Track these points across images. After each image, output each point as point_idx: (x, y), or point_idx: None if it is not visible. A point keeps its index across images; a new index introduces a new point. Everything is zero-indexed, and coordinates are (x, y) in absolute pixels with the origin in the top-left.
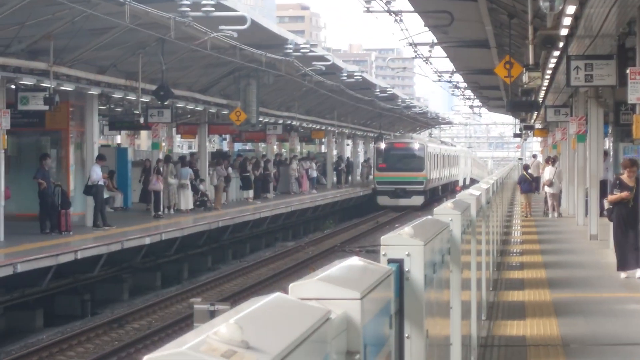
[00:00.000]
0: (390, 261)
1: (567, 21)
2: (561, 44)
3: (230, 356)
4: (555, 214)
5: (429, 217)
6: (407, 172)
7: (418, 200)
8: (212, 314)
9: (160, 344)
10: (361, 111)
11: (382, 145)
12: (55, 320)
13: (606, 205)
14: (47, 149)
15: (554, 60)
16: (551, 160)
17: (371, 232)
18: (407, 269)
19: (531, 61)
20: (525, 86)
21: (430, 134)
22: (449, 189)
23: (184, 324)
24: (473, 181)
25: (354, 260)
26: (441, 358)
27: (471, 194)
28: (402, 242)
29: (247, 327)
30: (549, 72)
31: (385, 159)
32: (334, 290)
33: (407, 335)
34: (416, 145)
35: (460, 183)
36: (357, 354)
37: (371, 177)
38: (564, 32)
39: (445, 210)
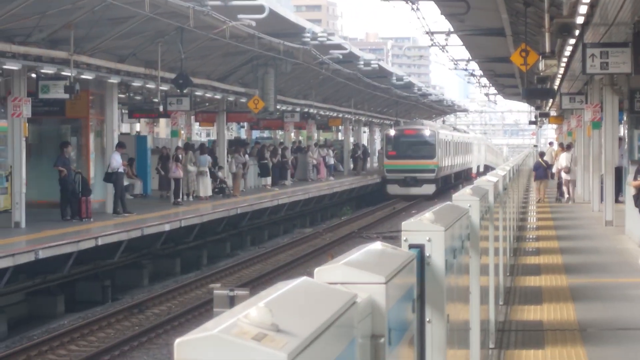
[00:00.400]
0: (411, 246)
1: (583, 9)
2: (577, 32)
3: (261, 339)
4: (567, 199)
5: (449, 203)
6: (417, 160)
7: (429, 189)
8: (232, 300)
9: (180, 329)
10: (377, 99)
11: (392, 132)
12: (76, 306)
13: (633, 191)
14: (67, 137)
15: (569, 48)
16: (566, 147)
17: (388, 218)
18: (428, 254)
19: (547, 49)
20: (541, 74)
21: (443, 121)
22: (462, 177)
23: (203, 309)
24: (487, 168)
25: (377, 245)
26: (461, 342)
27: (489, 181)
28: (423, 228)
29: (277, 311)
30: (565, 59)
31: (394, 146)
32: (359, 274)
33: (428, 319)
34: (427, 132)
35: (474, 171)
36: (381, 337)
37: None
38: (579, 20)
39: (464, 197)
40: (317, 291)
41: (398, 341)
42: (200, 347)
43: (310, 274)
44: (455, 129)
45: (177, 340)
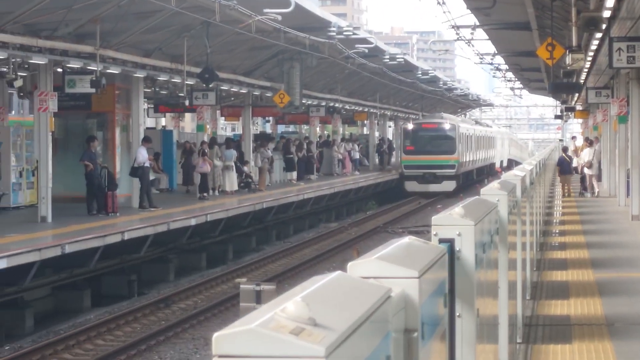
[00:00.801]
0: (441, 241)
1: (610, 3)
2: (604, 26)
3: (299, 333)
4: (591, 194)
5: (477, 197)
6: (437, 155)
7: (449, 185)
8: (258, 294)
9: (207, 323)
10: (403, 93)
11: (410, 126)
12: (102, 300)
13: None
14: (93, 132)
15: (596, 42)
16: (589, 142)
17: (413, 213)
18: (458, 249)
19: (574, 43)
20: (568, 68)
21: (465, 115)
22: (484, 173)
23: (229, 303)
24: (512, 163)
25: (409, 240)
26: (490, 337)
27: (516, 175)
28: (453, 222)
29: (313, 305)
30: (591, 53)
31: (413, 140)
32: (392, 269)
33: (458, 314)
34: (447, 126)
35: (497, 165)
36: (414, 332)
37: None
38: (606, 13)
39: (492, 191)
40: (352, 285)
41: (430, 336)
42: (239, 341)
43: (336, 269)
44: (477, 122)
45: (216, 335)
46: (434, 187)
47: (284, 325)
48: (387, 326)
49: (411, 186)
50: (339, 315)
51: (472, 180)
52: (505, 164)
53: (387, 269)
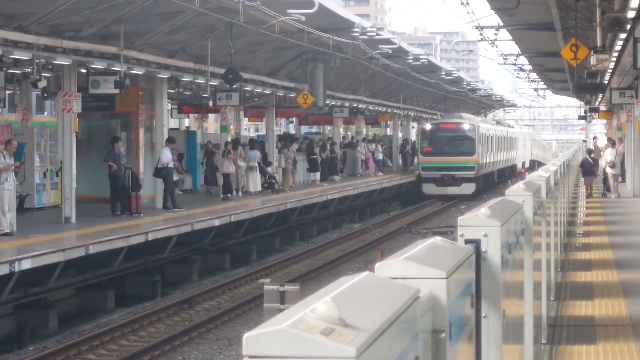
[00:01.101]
0: (467, 241)
1: (634, 3)
2: (628, 26)
3: (329, 333)
4: (614, 195)
5: (503, 198)
6: (455, 157)
7: (469, 188)
8: (282, 295)
9: (230, 324)
10: (426, 94)
11: (427, 126)
12: (126, 301)
13: None
14: (117, 132)
15: (620, 43)
16: (612, 142)
17: (437, 214)
18: (484, 250)
19: (598, 43)
20: (592, 68)
21: (485, 115)
22: (506, 174)
23: (253, 304)
24: (534, 163)
25: (436, 241)
26: (515, 338)
27: (540, 176)
28: (479, 223)
29: (343, 305)
30: (615, 54)
31: (430, 141)
32: (420, 269)
33: (484, 314)
34: (466, 126)
35: (519, 167)
36: (442, 332)
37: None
38: (631, 14)
39: (517, 192)
40: (381, 286)
41: (458, 336)
42: (269, 341)
43: (360, 270)
44: (498, 122)
45: (246, 335)
46: (452, 190)
47: (315, 325)
48: (416, 327)
49: (429, 189)
50: (368, 315)
51: (492, 182)
52: (527, 165)
53: (415, 270)
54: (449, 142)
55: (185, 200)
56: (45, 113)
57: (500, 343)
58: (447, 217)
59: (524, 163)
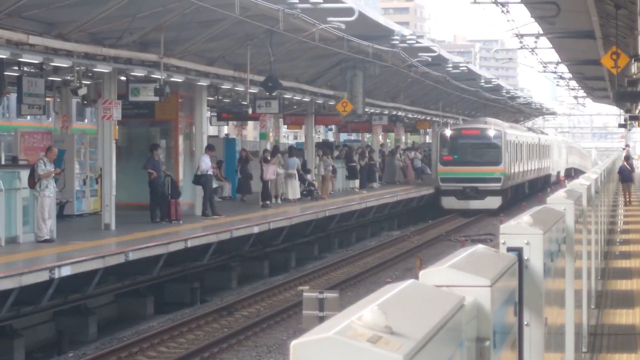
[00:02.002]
0: (509, 249)
1: None
2: None
3: (376, 341)
4: None
5: (545, 206)
6: (479, 167)
7: (494, 202)
8: (321, 302)
9: (269, 331)
10: (465, 102)
11: (448, 132)
12: (165, 308)
13: None
14: (156, 140)
15: None
16: None
17: (475, 221)
18: (526, 258)
19: (639, 52)
20: (633, 77)
21: (516, 121)
22: (538, 185)
23: (292, 311)
24: (570, 172)
25: (480, 249)
26: (557, 346)
27: (582, 184)
28: (522, 231)
29: (389, 313)
30: None
31: (451, 149)
32: (464, 277)
33: (526, 323)
34: (491, 132)
35: (553, 177)
36: (487, 340)
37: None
38: None
39: (558, 200)
40: (426, 294)
41: (501, 345)
42: (316, 349)
43: (399, 277)
44: (530, 129)
45: (293, 342)
46: (475, 204)
47: (361, 333)
48: (461, 335)
49: (449, 202)
50: (414, 323)
51: (522, 194)
52: (562, 174)
53: (459, 278)
54: (472, 150)
55: (224, 207)
56: (86, 120)
57: (542, 351)
58: (485, 224)
59: (558, 173)
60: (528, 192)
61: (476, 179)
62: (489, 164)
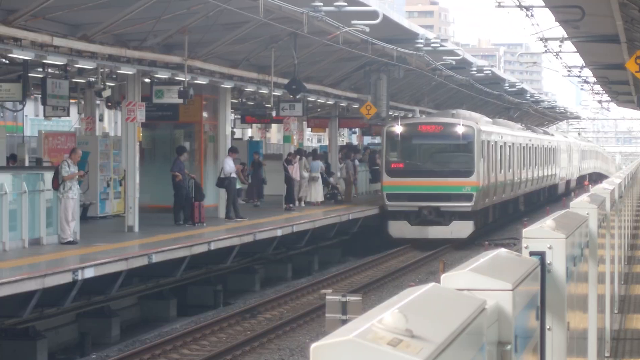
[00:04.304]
0: (532, 253)
1: None
2: None
3: (397, 344)
4: None
5: (568, 210)
6: (442, 179)
7: (463, 229)
8: (344, 305)
9: (292, 334)
10: (489, 105)
11: (397, 128)
12: (188, 310)
13: None
14: (180, 142)
15: None
16: None
17: (499, 226)
18: (549, 262)
19: None
20: None
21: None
22: (540, 198)
23: (315, 314)
24: (586, 177)
25: (502, 252)
26: (579, 351)
27: (605, 189)
28: (545, 235)
29: (410, 316)
30: None
31: (402, 153)
32: (485, 281)
33: (548, 327)
34: (459, 129)
35: (561, 187)
36: (508, 344)
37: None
38: None
39: (582, 204)
40: (447, 297)
41: (523, 349)
42: (337, 351)
43: (422, 281)
44: (529, 127)
45: (313, 345)
46: (436, 232)
47: (382, 336)
48: (482, 338)
49: (398, 229)
50: (435, 326)
51: (516, 213)
52: (573, 183)
53: (481, 281)
54: (432, 155)
55: (247, 210)
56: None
57: (565, 356)
58: (510, 228)
59: (568, 182)
60: (524, 208)
61: (437, 195)
62: (456, 174)
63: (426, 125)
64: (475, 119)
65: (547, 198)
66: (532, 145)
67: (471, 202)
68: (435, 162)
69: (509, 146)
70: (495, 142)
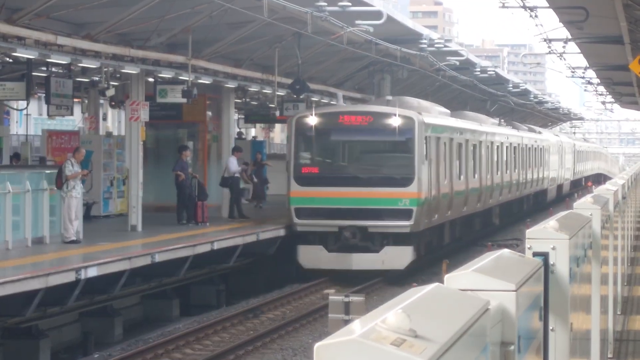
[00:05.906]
0: (535, 254)
1: None
2: None
3: (400, 344)
4: None
5: (571, 211)
6: (371, 188)
7: (399, 256)
8: (347, 306)
9: (295, 334)
10: (493, 106)
11: (311, 119)
12: (191, 310)
13: None
14: (184, 141)
15: None
16: None
17: (501, 226)
18: (552, 263)
19: None
20: None
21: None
22: (524, 207)
23: (318, 314)
24: (579, 180)
25: (505, 253)
26: (582, 351)
27: (608, 189)
28: (548, 236)
29: (413, 316)
30: None
31: (316, 153)
32: (489, 281)
33: (551, 328)
34: (394, 121)
35: (551, 193)
36: (511, 345)
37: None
38: None
39: (585, 205)
40: (451, 297)
41: (526, 349)
42: (340, 351)
43: (425, 282)
44: (512, 124)
45: (317, 344)
46: (361, 262)
47: (385, 336)
48: (485, 339)
49: (310, 257)
50: (438, 327)
51: (491, 227)
52: (567, 188)
53: (484, 282)
54: (357, 157)
55: (251, 210)
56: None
57: (568, 357)
58: (512, 229)
59: (560, 186)
60: (499, 222)
61: (364, 211)
62: (390, 183)
63: (349, 116)
64: (422, 108)
65: (533, 206)
66: (511, 144)
67: (409, 221)
68: (362, 166)
69: (474, 145)
70: (451, 140)
